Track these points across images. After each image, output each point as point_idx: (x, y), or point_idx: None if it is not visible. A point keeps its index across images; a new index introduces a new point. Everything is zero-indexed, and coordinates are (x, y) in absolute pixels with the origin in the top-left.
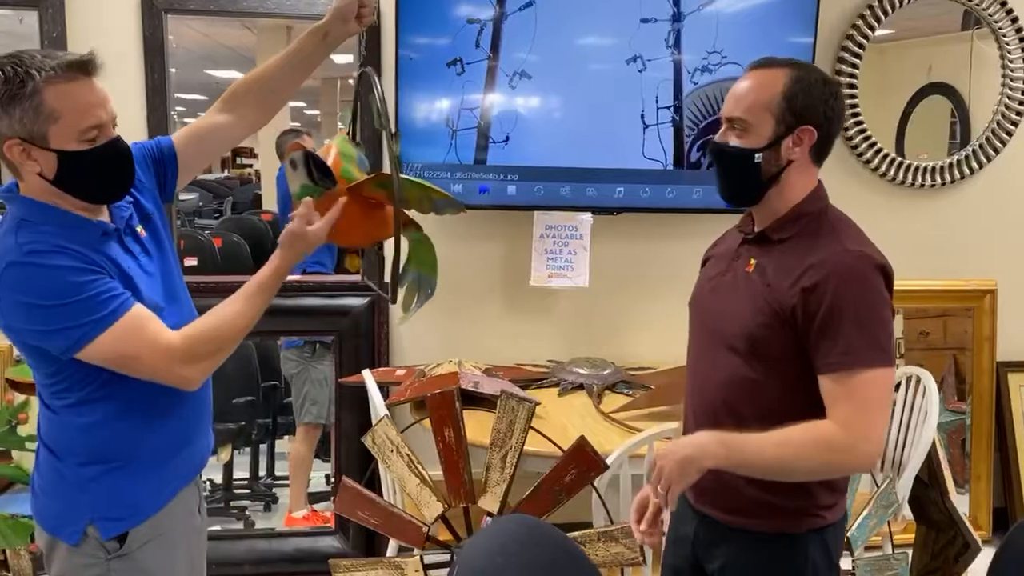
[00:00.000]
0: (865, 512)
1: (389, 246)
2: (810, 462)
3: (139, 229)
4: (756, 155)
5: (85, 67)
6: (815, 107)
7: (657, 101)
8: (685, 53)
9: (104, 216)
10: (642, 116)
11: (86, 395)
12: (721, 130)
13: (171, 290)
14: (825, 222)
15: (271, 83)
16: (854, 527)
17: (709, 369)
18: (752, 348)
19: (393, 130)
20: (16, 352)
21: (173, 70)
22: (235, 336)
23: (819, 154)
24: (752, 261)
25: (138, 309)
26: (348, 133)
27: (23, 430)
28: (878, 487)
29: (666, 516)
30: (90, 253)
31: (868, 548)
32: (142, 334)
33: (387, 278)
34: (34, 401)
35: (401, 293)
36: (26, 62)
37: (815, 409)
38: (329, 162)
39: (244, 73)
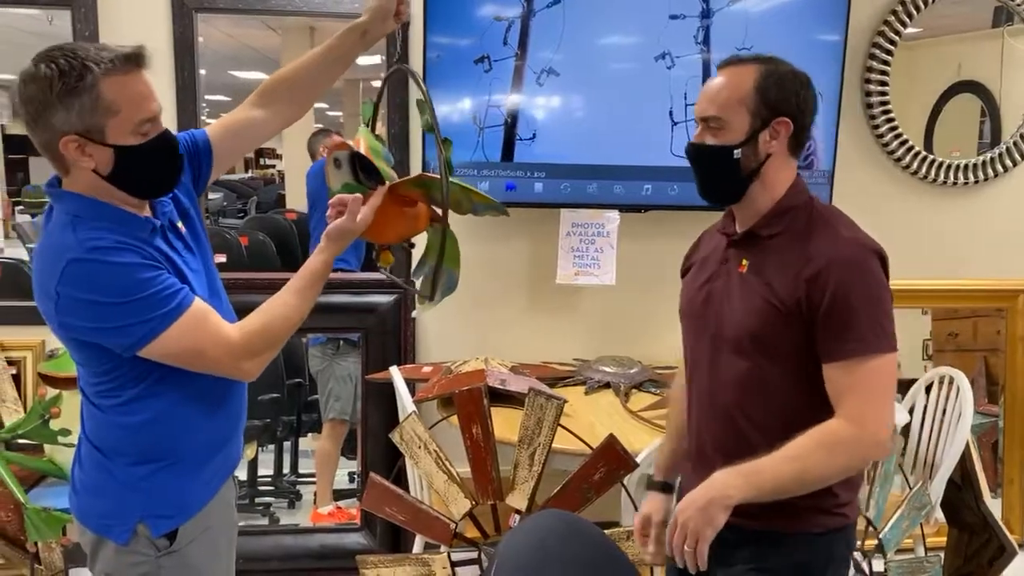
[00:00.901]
0: (897, 514)
1: (420, 241)
2: (828, 468)
3: (179, 225)
4: (735, 151)
5: (139, 60)
6: (788, 99)
7: (686, 98)
8: (714, 50)
9: (148, 212)
10: (670, 113)
11: (137, 393)
12: (697, 131)
13: (212, 285)
14: (814, 213)
15: (307, 79)
16: (886, 529)
17: (715, 376)
18: (759, 347)
19: (365, 134)
20: (49, 347)
21: (203, 71)
22: (289, 329)
23: (796, 145)
24: (744, 262)
25: (199, 303)
26: (367, 126)
27: (55, 424)
28: (911, 489)
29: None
30: (148, 248)
31: (900, 551)
32: (205, 328)
33: (411, 276)
34: (67, 395)
35: (418, 283)
36: (80, 55)
37: (829, 403)
38: None
39: (269, 74)
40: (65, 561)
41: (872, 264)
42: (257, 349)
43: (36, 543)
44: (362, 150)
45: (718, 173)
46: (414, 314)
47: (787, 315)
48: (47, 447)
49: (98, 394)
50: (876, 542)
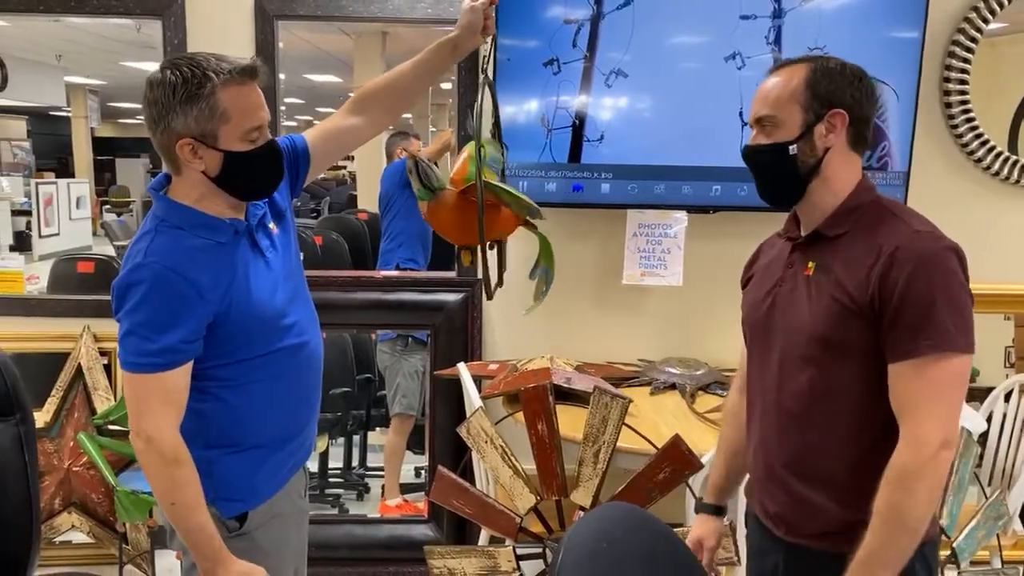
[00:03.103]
0: (972, 523)
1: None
2: (918, 503)
3: (271, 226)
4: (791, 147)
5: (254, 72)
6: (841, 90)
7: None
8: (785, 50)
9: (240, 215)
10: (740, 114)
11: (212, 384)
12: (752, 135)
13: (298, 287)
14: (883, 209)
15: (401, 89)
16: (960, 538)
17: (782, 387)
18: (828, 351)
19: (482, 141)
20: None
21: (282, 76)
22: (161, 493)
23: (856, 140)
24: (810, 264)
25: (179, 379)
26: (492, 135)
27: None
28: (987, 498)
29: (741, 541)
30: (204, 274)
31: (975, 563)
32: (162, 402)
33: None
34: None
35: (532, 284)
36: (202, 65)
37: None
38: (459, 164)
39: (341, 78)
40: (151, 542)
41: (949, 259)
42: (152, 459)
43: (125, 524)
44: (462, 158)
45: (776, 172)
46: (525, 312)
47: (858, 313)
48: None
49: None
50: (949, 551)
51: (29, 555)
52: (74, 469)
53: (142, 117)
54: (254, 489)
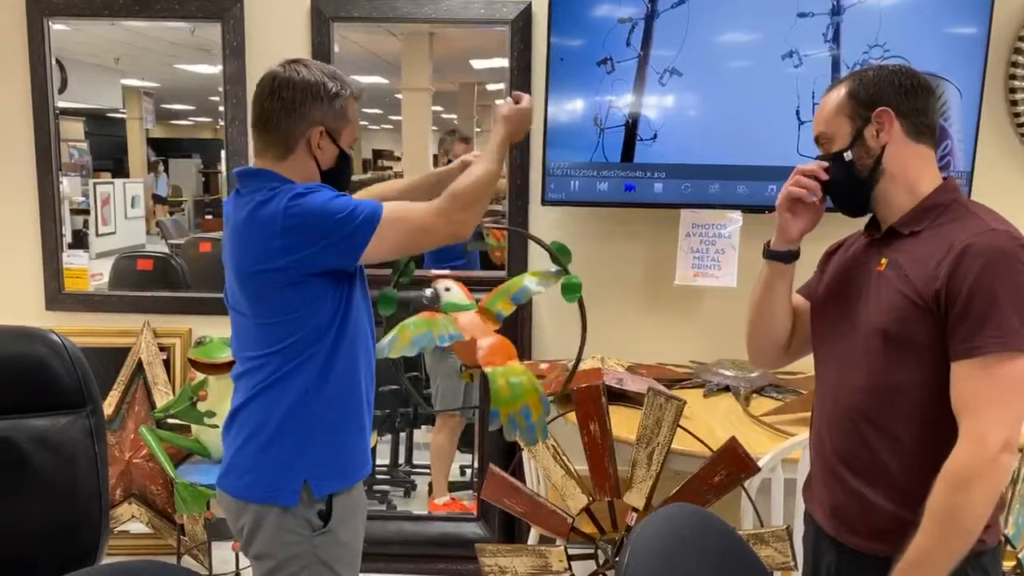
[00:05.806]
0: None
1: None
2: (974, 505)
3: None
4: (845, 154)
5: (360, 96)
6: (880, 91)
7: (813, 97)
8: (844, 47)
9: None
10: (797, 112)
11: (300, 364)
12: (817, 156)
13: None
14: (961, 208)
15: (419, 195)
16: None
17: (842, 380)
18: (892, 346)
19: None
20: (195, 336)
21: None
22: (483, 186)
23: (916, 130)
24: (883, 260)
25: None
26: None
27: (202, 406)
28: None
29: (798, 544)
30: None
31: None
32: (411, 208)
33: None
34: (212, 380)
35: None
36: (338, 74)
37: None
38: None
39: (386, 79)
40: (208, 534)
41: (1023, 257)
42: (459, 205)
43: (183, 516)
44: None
45: (841, 182)
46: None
47: (924, 310)
48: (193, 427)
49: (273, 365)
50: (1015, 563)
51: (99, 541)
52: (134, 461)
53: (259, 111)
54: (343, 470)
